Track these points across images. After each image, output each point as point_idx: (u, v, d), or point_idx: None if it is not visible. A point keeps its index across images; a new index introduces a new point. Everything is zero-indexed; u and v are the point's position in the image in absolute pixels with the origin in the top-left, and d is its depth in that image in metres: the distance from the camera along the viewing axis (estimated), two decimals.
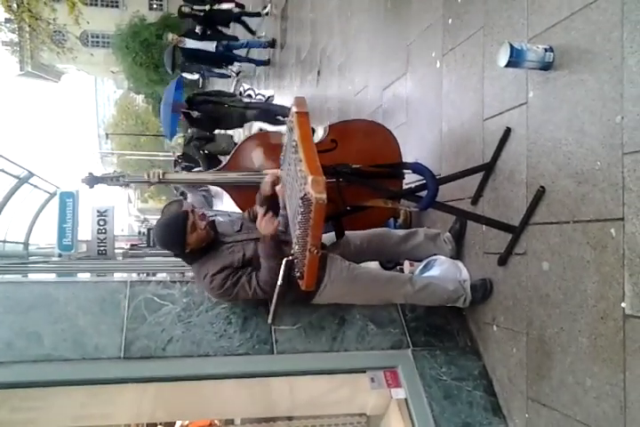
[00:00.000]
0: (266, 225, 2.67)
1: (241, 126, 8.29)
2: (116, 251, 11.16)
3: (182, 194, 11.29)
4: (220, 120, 7.50)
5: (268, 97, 8.33)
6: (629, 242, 2.04)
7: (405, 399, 2.93)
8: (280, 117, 7.33)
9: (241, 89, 8.40)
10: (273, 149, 3.03)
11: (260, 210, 2.77)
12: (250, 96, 8.15)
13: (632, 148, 2.03)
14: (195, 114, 7.19)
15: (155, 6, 33.72)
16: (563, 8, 2.39)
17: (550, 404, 2.49)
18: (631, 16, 2.03)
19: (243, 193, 3.45)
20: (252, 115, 7.44)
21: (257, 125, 8.39)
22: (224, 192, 3.79)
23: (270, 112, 7.51)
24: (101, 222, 10.60)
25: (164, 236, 2.86)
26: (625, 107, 2.06)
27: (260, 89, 8.66)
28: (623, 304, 2.06)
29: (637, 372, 2.01)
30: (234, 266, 2.76)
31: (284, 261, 2.38)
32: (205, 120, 7.38)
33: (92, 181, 3.35)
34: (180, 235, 2.76)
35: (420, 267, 3.23)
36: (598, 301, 2.19)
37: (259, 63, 10.36)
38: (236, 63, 9.91)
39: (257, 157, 3.58)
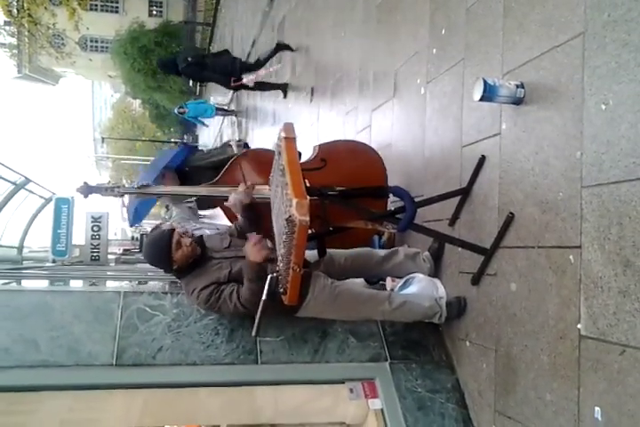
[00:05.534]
0: (255, 253, 2.73)
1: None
2: (109, 256, 11.22)
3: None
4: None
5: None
6: (585, 268, 2.21)
7: (382, 410, 3.06)
8: None
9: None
10: (265, 165, 3.15)
11: (253, 238, 2.80)
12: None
13: (589, 182, 2.21)
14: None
15: (155, 13, 33.98)
16: (534, 48, 2.58)
17: (515, 417, 2.64)
18: (590, 61, 2.21)
19: None
20: None
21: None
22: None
23: None
24: (95, 228, 10.69)
25: (151, 255, 3.03)
26: (584, 144, 2.24)
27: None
28: (579, 326, 2.23)
29: (590, 388, 2.17)
30: (219, 281, 2.89)
31: (268, 278, 2.52)
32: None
33: (87, 190, 3.43)
34: (165, 253, 2.90)
35: (400, 284, 3.38)
36: (558, 321, 2.36)
37: None
38: None
39: (249, 173, 3.74)
